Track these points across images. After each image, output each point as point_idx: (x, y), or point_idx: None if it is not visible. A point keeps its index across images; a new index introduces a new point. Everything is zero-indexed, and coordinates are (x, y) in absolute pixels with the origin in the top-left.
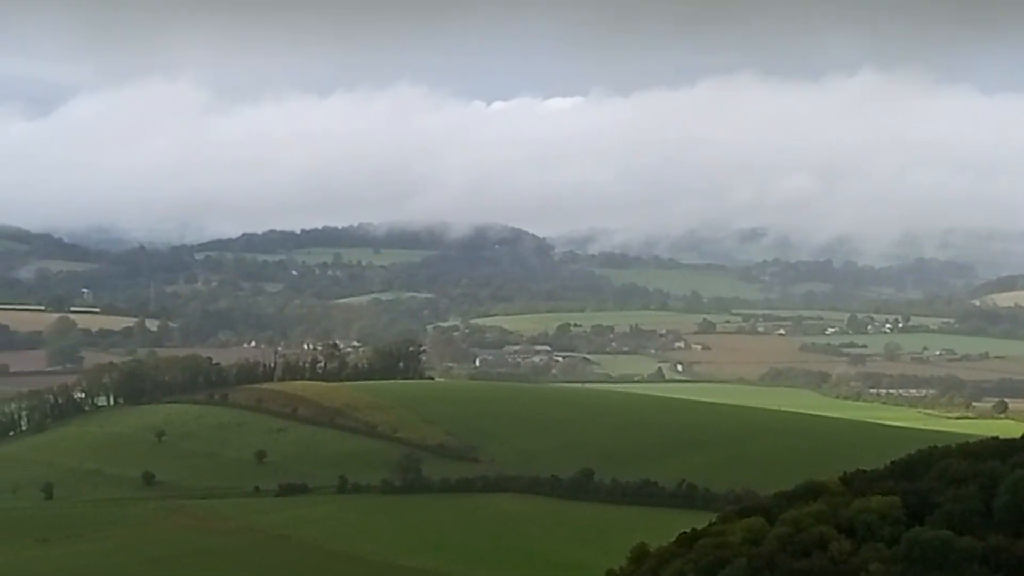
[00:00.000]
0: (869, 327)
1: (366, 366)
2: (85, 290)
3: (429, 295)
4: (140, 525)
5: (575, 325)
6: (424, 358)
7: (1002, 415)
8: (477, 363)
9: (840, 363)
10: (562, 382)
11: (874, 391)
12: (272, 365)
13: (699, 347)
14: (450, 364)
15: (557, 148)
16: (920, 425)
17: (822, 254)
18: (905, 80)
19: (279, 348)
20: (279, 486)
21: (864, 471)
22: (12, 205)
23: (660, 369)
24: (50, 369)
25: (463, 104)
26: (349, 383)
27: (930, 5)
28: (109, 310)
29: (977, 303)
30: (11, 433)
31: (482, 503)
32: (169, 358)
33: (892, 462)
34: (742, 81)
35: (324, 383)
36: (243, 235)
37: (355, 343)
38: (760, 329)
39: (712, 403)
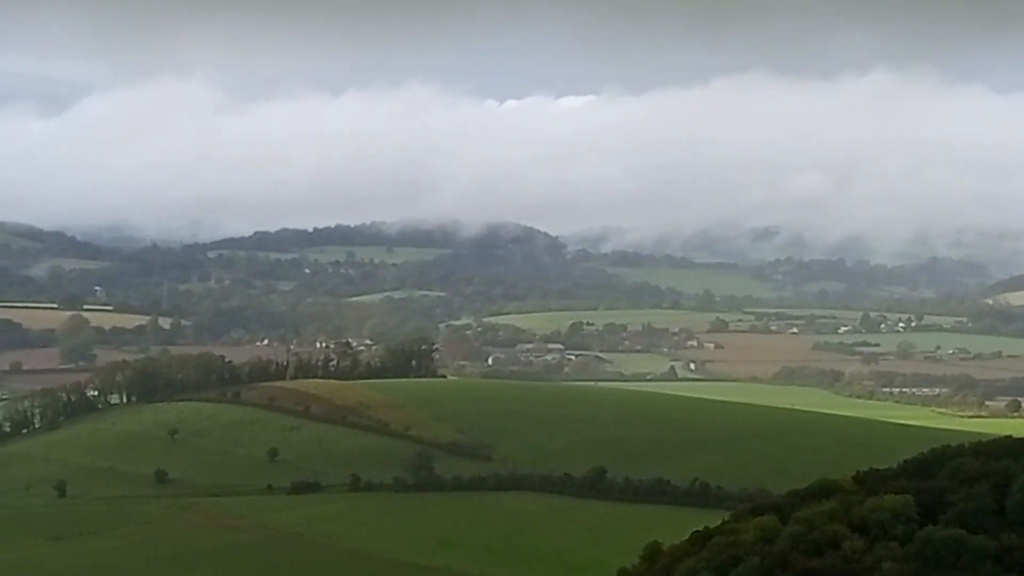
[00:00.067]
0: (882, 326)
1: (379, 364)
2: (98, 288)
3: (442, 293)
4: (153, 523)
5: (587, 323)
6: (437, 356)
7: (1015, 414)
8: (490, 361)
9: (853, 362)
10: (574, 380)
11: (887, 390)
12: (285, 363)
13: (712, 346)
14: (463, 362)
15: (570, 147)
16: (933, 424)
17: (835, 253)
18: (918, 79)
19: (292, 346)
20: (292, 484)
21: (877, 470)
22: (25, 203)
23: (673, 368)
24: (63, 367)
25: (476, 103)
26: (361, 381)
27: (943, 4)
28: (122, 308)
29: (990, 302)
30: (24, 431)
31: (494, 501)
32: (182, 356)
33: (905, 461)
34: (755, 80)
35: (337, 381)
36: (256, 233)
37: (368, 341)
38: (773, 328)
39: (725, 402)
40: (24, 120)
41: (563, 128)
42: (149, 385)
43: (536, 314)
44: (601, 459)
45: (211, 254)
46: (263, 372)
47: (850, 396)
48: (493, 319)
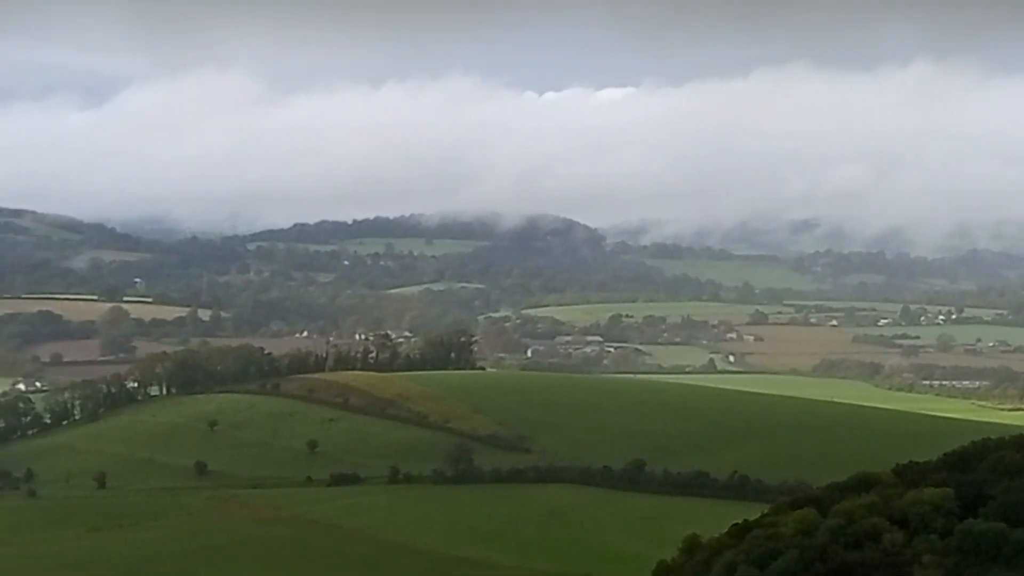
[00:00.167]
0: (922, 318)
1: (418, 356)
2: (138, 280)
3: (481, 285)
4: (192, 514)
5: (627, 316)
6: (476, 348)
7: None
8: (529, 354)
9: (893, 354)
10: (614, 373)
11: (927, 383)
12: (324, 355)
13: (751, 338)
14: (502, 355)
15: (609, 139)
16: (973, 417)
17: (875, 245)
18: (959, 71)
19: (331, 338)
20: (331, 476)
21: (917, 463)
22: (66, 195)
23: (712, 360)
24: (103, 359)
25: (515, 95)
26: (401, 373)
27: None
28: (162, 300)
29: None
30: (64, 422)
31: (533, 494)
32: (221, 348)
33: (945, 454)
34: (795, 72)
35: (376, 373)
36: (295, 225)
37: (407, 333)
38: (812, 320)
39: (764, 394)
40: (65, 112)
41: (602, 120)
42: (189, 377)
43: (575, 306)
44: (640, 452)
45: (250, 246)
46: (302, 364)
47: (890, 389)
48: (532, 311)
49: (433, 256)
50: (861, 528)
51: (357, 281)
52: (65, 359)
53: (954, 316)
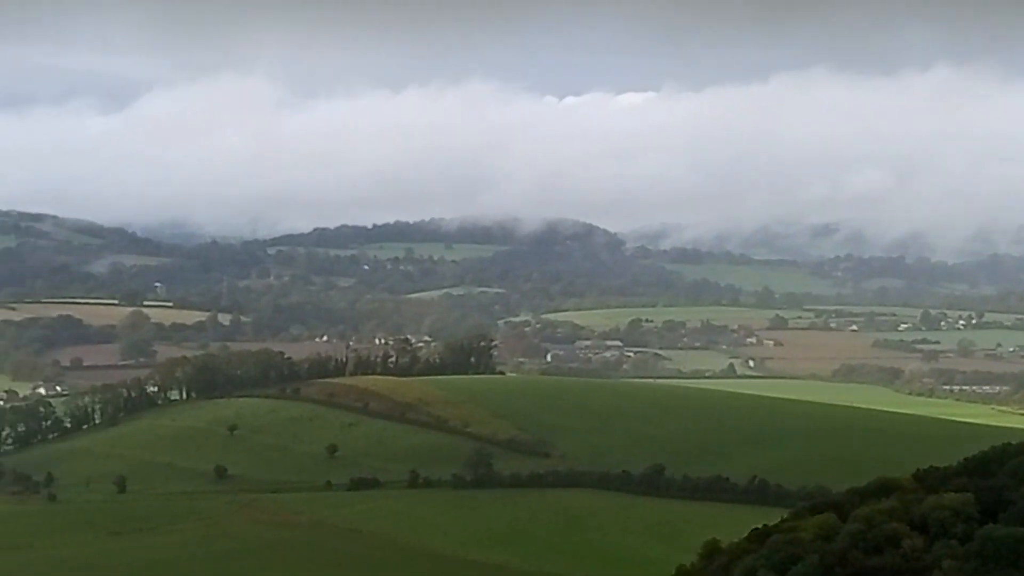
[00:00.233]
0: (942, 323)
1: (437, 361)
2: (158, 284)
3: (500, 290)
4: (212, 518)
5: (646, 321)
6: (495, 353)
7: None
8: (548, 358)
9: (913, 359)
10: (633, 378)
11: (947, 388)
12: (344, 360)
13: (771, 343)
14: (521, 359)
15: (629, 143)
16: (994, 422)
17: (895, 250)
18: (979, 75)
19: (351, 343)
20: (351, 480)
21: (937, 468)
22: (87, 199)
23: (732, 365)
24: (123, 363)
25: (535, 99)
26: (420, 378)
27: (1005, 0)
28: (182, 304)
29: None
30: (85, 426)
31: (553, 498)
32: (241, 352)
33: (965, 459)
34: (816, 76)
35: (396, 378)
36: (315, 230)
37: (426, 338)
38: (832, 325)
39: (784, 399)
40: (86, 116)
41: (623, 124)
42: (209, 381)
43: (595, 311)
44: (660, 456)
45: (271, 250)
46: (322, 368)
47: (910, 394)
48: (552, 316)
49: (453, 260)
50: (881, 533)
51: (377, 286)
52: (85, 363)
53: (974, 321)
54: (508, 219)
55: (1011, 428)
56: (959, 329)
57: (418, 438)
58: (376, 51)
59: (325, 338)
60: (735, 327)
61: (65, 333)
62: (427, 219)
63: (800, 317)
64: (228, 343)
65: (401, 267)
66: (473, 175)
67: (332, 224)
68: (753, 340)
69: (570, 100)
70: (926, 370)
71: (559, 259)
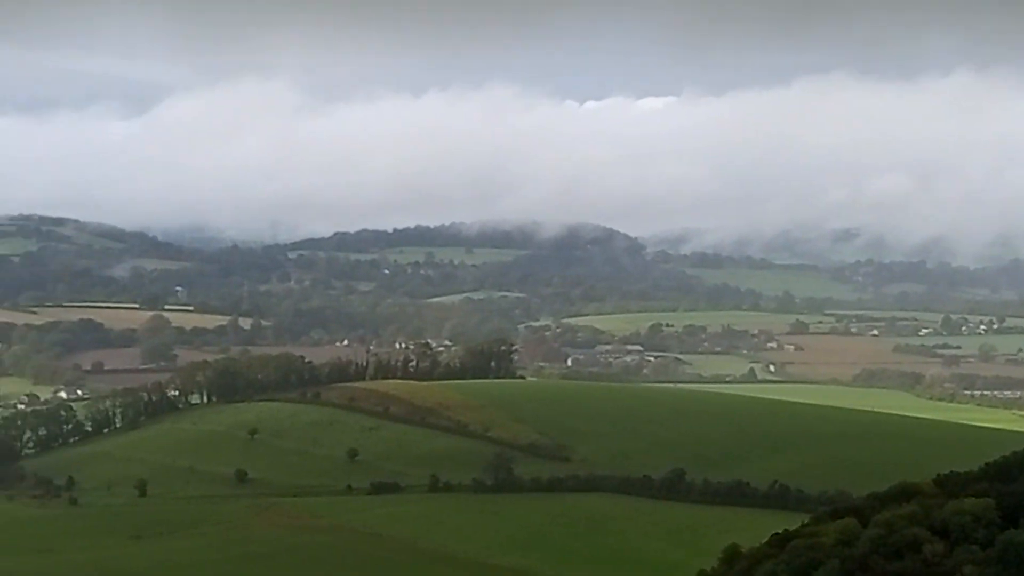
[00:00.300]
0: (963, 328)
1: (458, 365)
2: (179, 288)
3: (521, 294)
4: (232, 522)
5: (667, 325)
6: (516, 357)
7: None
8: (569, 363)
9: (934, 364)
10: (654, 382)
11: (968, 393)
12: (364, 364)
13: (791, 347)
14: (542, 364)
15: (650, 148)
16: (1015, 427)
17: (916, 255)
18: (1001, 80)
19: (371, 347)
20: (371, 484)
21: (958, 473)
22: (108, 204)
23: (752, 369)
24: (144, 367)
25: (556, 103)
26: (441, 382)
27: None
28: (202, 308)
29: None
30: (105, 430)
31: (573, 503)
32: (262, 356)
33: (986, 464)
34: (837, 81)
35: (416, 382)
36: (336, 234)
37: (447, 342)
38: (853, 330)
39: (805, 404)
40: (107, 121)
41: (643, 129)
42: (229, 385)
43: (615, 315)
44: (680, 461)
45: (291, 255)
46: (343, 373)
47: (931, 399)
48: (572, 320)
49: (473, 265)
50: (902, 538)
51: (397, 290)
52: (106, 367)
53: (996, 326)
54: (528, 223)
55: None
56: (980, 334)
57: (438, 442)
58: (397, 55)
59: (345, 342)
60: (756, 332)
61: (86, 337)
62: (447, 223)
63: (821, 322)
64: (249, 347)
65: (421, 271)
66: (493, 179)
67: (352, 228)
68: (774, 345)
69: (591, 104)
70: (947, 375)
71: (579, 263)
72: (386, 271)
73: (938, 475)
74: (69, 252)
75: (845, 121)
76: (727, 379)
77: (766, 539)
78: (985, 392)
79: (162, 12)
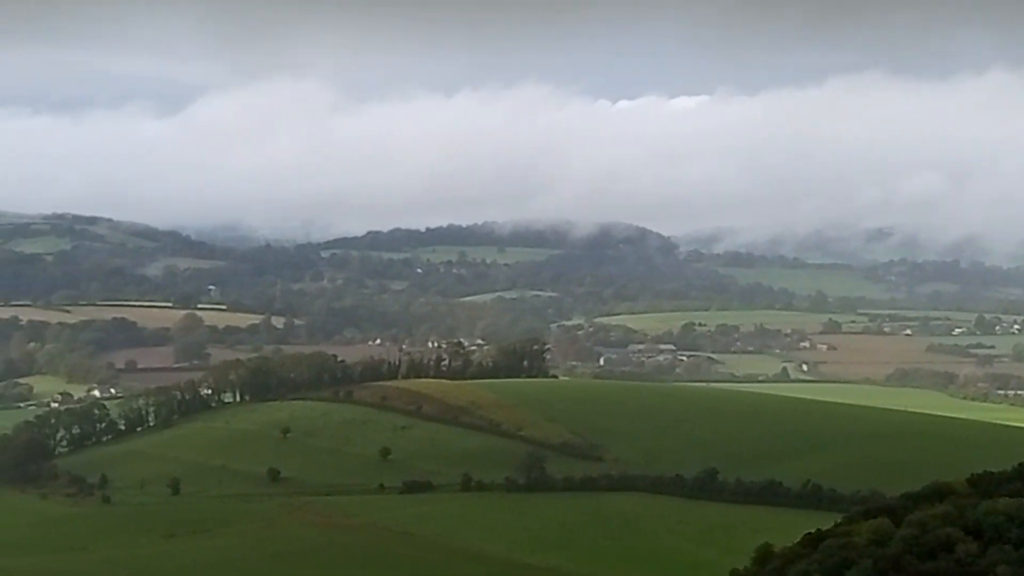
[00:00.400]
0: (997, 328)
1: (490, 364)
2: (212, 287)
3: (553, 294)
4: (265, 521)
5: (700, 324)
6: (548, 356)
7: None
8: (601, 362)
9: (967, 364)
10: (686, 381)
11: (1002, 392)
12: (397, 363)
13: (824, 347)
14: (574, 363)
15: (683, 147)
16: None
17: (949, 254)
18: None
19: (404, 346)
20: (403, 483)
21: (991, 473)
22: (141, 203)
23: (785, 369)
24: (177, 365)
25: (589, 103)
26: (473, 381)
27: None
28: (235, 307)
29: None
30: (139, 428)
31: (605, 502)
32: (295, 355)
33: (1020, 463)
34: (870, 80)
35: (448, 381)
36: (368, 233)
37: (479, 341)
38: (886, 329)
39: (838, 403)
40: (141, 120)
41: (676, 128)
42: (262, 384)
43: (648, 315)
44: (712, 460)
45: (324, 254)
46: (375, 371)
47: (964, 398)
48: (605, 319)
49: (506, 264)
50: (935, 538)
51: (430, 289)
52: (140, 366)
53: None
54: (561, 223)
55: None
56: (1014, 334)
57: (471, 441)
58: (429, 55)
59: (378, 341)
60: (788, 331)
61: (119, 336)
62: (480, 223)
63: (854, 321)
64: (281, 346)
65: (454, 270)
66: (526, 179)
67: (385, 227)
68: (806, 344)
69: (623, 104)
70: (980, 374)
71: (612, 263)
72: (419, 270)
73: (971, 475)
74: (103, 251)
75: (878, 120)
76: (760, 378)
77: (799, 539)
78: (1019, 392)
79: (196, 12)
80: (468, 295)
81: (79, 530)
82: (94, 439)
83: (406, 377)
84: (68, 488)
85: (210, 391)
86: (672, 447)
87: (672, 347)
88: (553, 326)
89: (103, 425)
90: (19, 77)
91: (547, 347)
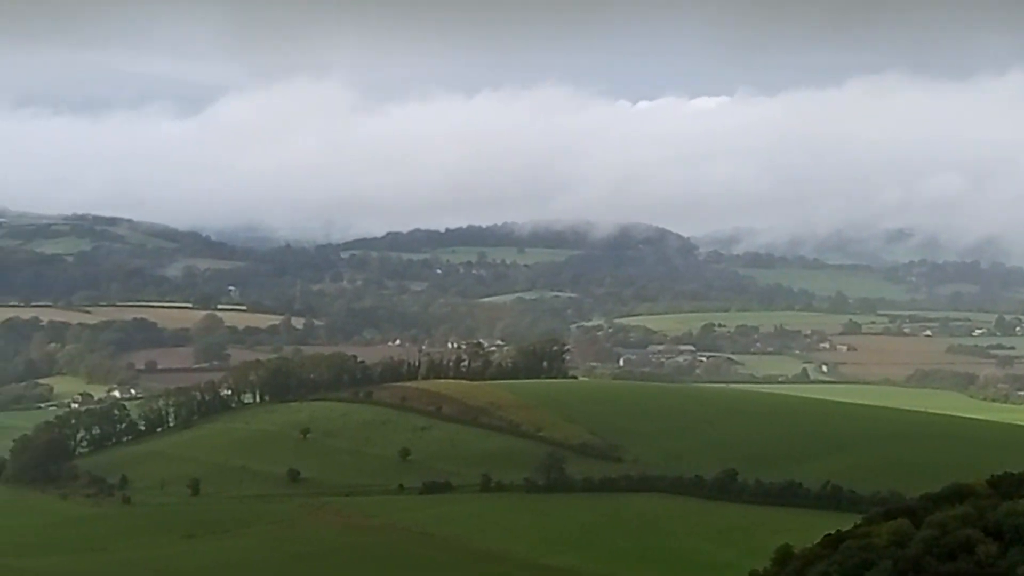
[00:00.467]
0: (1017, 328)
1: (510, 365)
2: (232, 288)
3: (573, 294)
4: (285, 521)
5: (719, 325)
6: (568, 357)
7: None
8: (621, 363)
9: (988, 365)
10: (706, 382)
11: (1022, 393)
12: (416, 363)
13: (844, 348)
14: (594, 363)
15: (702, 148)
16: None
17: (970, 255)
18: None
19: (423, 346)
20: (423, 484)
21: (1012, 474)
22: (161, 203)
23: (805, 370)
24: (197, 366)
25: (608, 103)
26: (493, 382)
27: None
28: (255, 308)
29: None
30: (159, 429)
31: (625, 503)
32: (314, 356)
33: None
34: (891, 80)
35: (468, 382)
36: (388, 234)
37: (499, 342)
38: (906, 330)
39: (857, 404)
40: (161, 121)
41: (696, 129)
42: (282, 384)
43: (667, 315)
44: (732, 461)
45: (344, 254)
46: (395, 372)
47: (984, 399)
48: (624, 320)
49: (525, 265)
50: (955, 539)
51: (449, 290)
52: (159, 366)
53: None
54: (581, 223)
55: None
56: None
57: (490, 442)
58: (450, 55)
59: (398, 342)
60: (808, 332)
61: (139, 336)
62: (500, 223)
63: (874, 322)
64: (301, 347)
65: (474, 271)
66: (546, 179)
67: (405, 228)
68: (826, 345)
69: (643, 104)
70: (1001, 375)
71: (632, 263)
72: (438, 271)
73: (992, 476)
74: (123, 252)
75: (899, 121)
76: (779, 379)
77: (818, 540)
78: None
79: (216, 13)
80: (488, 296)
81: (99, 530)
82: (114, 440)
83: (426, 378)
84: (88, 488)
85: (230, 392)
86: (692, 448)
87: (692, 348)
88: (573, 327)
89: (123, 426)
90: (39, 78)
91: (567, 348)
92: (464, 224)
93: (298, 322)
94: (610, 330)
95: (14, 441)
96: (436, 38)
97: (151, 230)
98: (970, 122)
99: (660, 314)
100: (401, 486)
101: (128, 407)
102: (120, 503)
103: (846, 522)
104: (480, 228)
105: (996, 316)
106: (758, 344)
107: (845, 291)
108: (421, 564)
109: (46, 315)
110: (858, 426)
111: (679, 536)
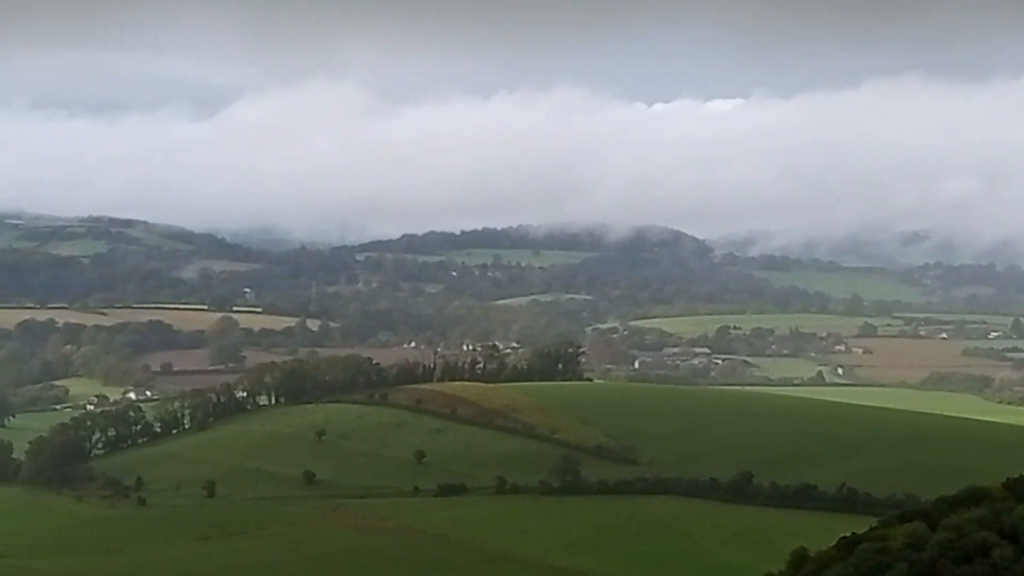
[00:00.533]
0: None
1: (525, 367)
2: (247, 290)
3: (588, 297)
4: (300, 523)
5: (735, 328)
6: (583, 360)
7: None
8: (636, 365)
9: (1003, 368)
10: (721, 385)
11: None
12: (432, 366)
13: (860, 350)
14: (609, 366)
15: (718, 150)
16: None
17: (986, 257)
18: None
19: (439, 349)
20: (438, 486)
21: None
22: (177, 205)
23: (820, 372)
24: (212, 368)
25: (624, 106)
26: (508, 384)
27: None
28: (271, 310)
29: None
30: (174, 431)
31: (640, 505)
32: (330, 358)
33: None
34: (906, 83)
35: (483, 384)
36: (403, 236)
37: (514, 344)
38: (922, 333)
39: (873, 407)
40: (177, 123)
41: (711, 131)
42: (297, 387)
43: (683, 318)
44: (747, 464)
45: (359, 256)
46: (410, 374)
47: (1000, 402)
48: (640, 323)
49: (541, 267)
50: (971, 542)
51: (465, 292)
52: (175, 368)
53: None
54: (596, 226)
55: None
56: None
57: (505, 444)
58: (466, 58)
59: (413, 344)
60: (824, 334)
61: (155, 338)
62: (515, 225)
63: (889, 325)
64: (317, 349)
65: (489, 273)
66: (561, 182)
67: (420, 230)
68: (842, 348)
69: (659, 107)
70: (1017, 378)
71: (647, 266)
72: (454, 273)
73: (1008, 479)
74: (138, 254)
75: (914, 123)
76: (795, 382)
77: (834, 542)
78: None
79: (232, 15)
80: (503, 298)
81: (114, 532)
82: (130, 441)
83: (441, 380)
84: (104, 490)
85: (245, 394)
86: (707, 450)
87: (707, 350)
88: (588, 329)
89: (139, 427)
90: (55, 80)
91: (582, 350)
92: (479, 226)
93: (313, 324)
94: (625, 332)
95: (30, 443)
96: (452, 40)
97: (167, 232)
98: (986, 124)
99: (675, 316)
100: (416, 488)
101: (144, 409)
102: (135, 505)
103: (862, 525)
104: (495, 230)
105: (1012, 319)
106: (773, 347)
107: (860, 294)
108: (436, 566)
109: (62, 317)
110: (873, 429)
111: (694, 539)
